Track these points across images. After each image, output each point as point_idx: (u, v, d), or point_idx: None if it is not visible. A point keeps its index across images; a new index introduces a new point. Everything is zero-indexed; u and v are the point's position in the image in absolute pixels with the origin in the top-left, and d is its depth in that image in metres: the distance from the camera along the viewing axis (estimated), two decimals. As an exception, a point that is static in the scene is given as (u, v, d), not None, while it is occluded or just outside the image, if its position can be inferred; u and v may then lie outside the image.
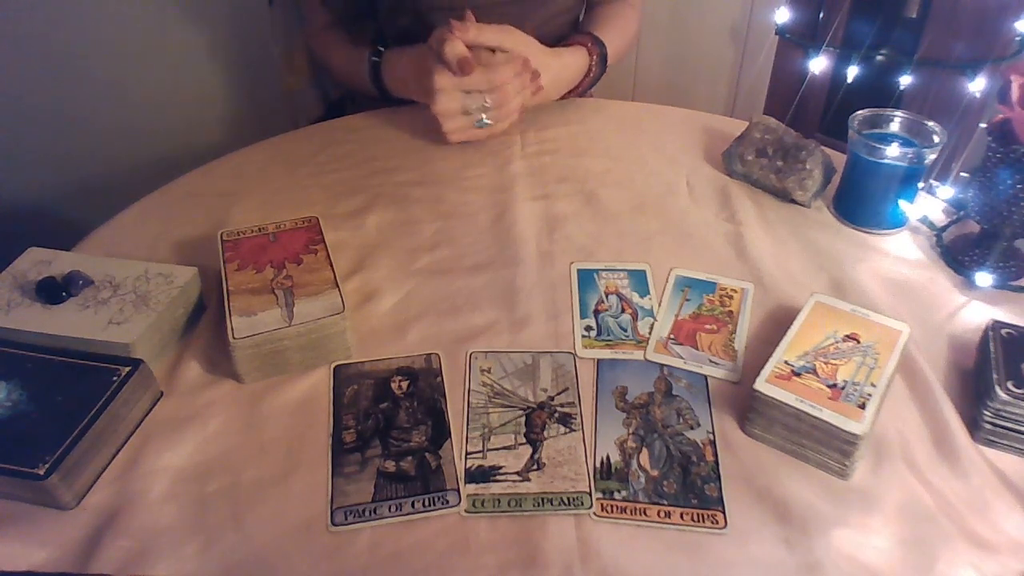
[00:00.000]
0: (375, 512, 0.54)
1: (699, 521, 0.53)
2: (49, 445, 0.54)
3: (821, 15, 1.50)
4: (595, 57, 0.97)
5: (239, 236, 0.72)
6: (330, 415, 0.61)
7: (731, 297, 0.72)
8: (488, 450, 0.58)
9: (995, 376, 0.58)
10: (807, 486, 0.55)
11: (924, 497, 0.55)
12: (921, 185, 0.80)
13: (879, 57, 1.42)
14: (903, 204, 0.78)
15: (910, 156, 0.75)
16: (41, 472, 0.52)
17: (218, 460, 0.58)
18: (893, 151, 0.75)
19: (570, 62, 0.95)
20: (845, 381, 0.57)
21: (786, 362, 0.59)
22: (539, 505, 0.54)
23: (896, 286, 0.73)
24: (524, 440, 0.59)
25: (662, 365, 0.65)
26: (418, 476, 0.56)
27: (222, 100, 1.47)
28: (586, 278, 0.74)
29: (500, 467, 0.57)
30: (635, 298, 0.72)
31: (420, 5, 0.95)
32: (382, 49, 0.96)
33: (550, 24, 1.03)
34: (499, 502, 0.55)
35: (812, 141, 0.83)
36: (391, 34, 0.98)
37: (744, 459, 0.57)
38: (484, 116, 0.87)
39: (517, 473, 0.57)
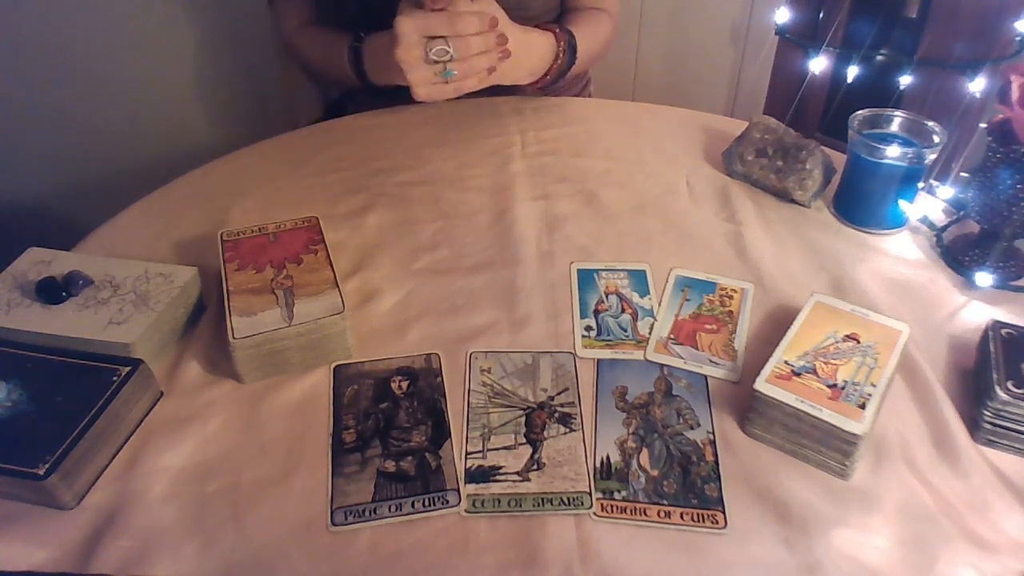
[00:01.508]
0: (375, 512, 0.54)
1: (699, 521, 0.53)
2: (49, 445, 0.54)
3: (821, 15, 1.50)
4: (562, 44, 0.94)
5: (239, 236, 0.72)
6: (330, 415, 0.61)
7: (731, 297, 0.72)
8: (488, 450, 0.58)
9: (995, 376, 0.58)
10: (807, 486, 0.55)
11: (924, 497, 0.55)
12: (921, 185, 0.80)
13: (879, 57, 1.42)
14: (903, 204, 0.78)
15: (910, 156, 0.75)
16: (41, 472, 0.52)
17: (218, 460, 0.58)
18: (893, 151, 0.75)
19: (536, 41, 0.92)
20: (845, 381, 0.57)
21: (786, 362, 0.59)
22: (539, 505, 0.54)
23: (896, 286, 0.73)
24: (524, 440, 0.59)
25: (662, 365, 0.65)
26: (418, 476, 0.56)
27: (222, 100, 1.47)
28: (586, 278, 0.74)
29: (500, 467, 0.57)
30: (635, 298, 0.72)
31: None
32: (364, 35, 0.93)
33: None
34: (499, 502, 0.55)
35: (812, 141, 0.83)
36: (368, 26, 0.94)
37: (744, 459, 0.57)
38: (448, 66, 0.80)
39: (517, 473, 0.57)
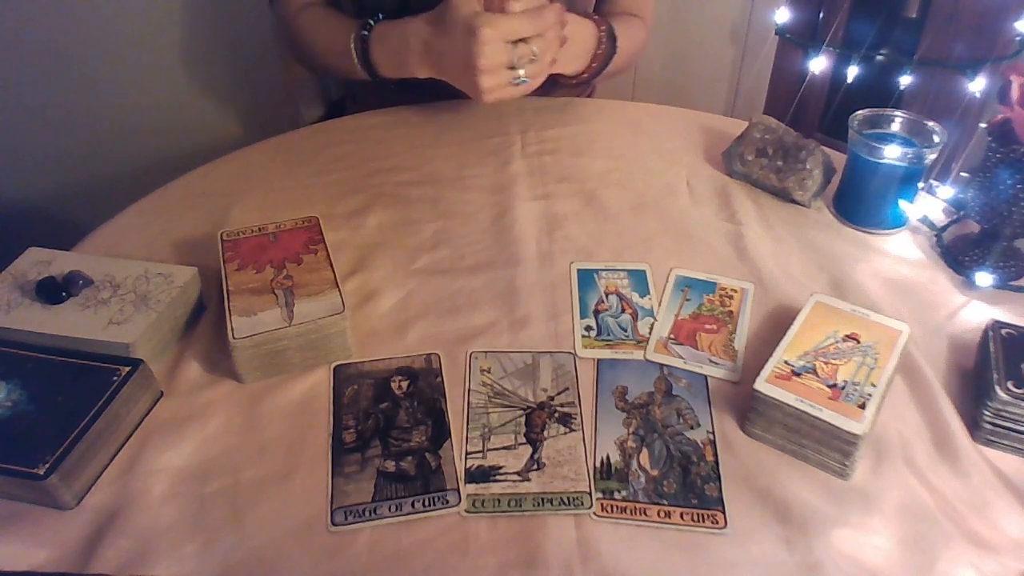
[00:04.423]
0: (375, 512, 0.54)
1: (699, 521, 0.53)
2: (49, 445, 0.54)
3: (821, 15, 1.50)
4: (603, 29, 0.91)
5: (239, 236, 0.72)
6: (330, 415, 0.61)
7: (731, 297, 0.72)
8: (488, 450, 0.58)
9: (995, 376, 0.58)
10: (807, 486, 0.55)
11: (924, 497, 0.55)
12: (921, 185, 0.80)
13: (879, 57, 1.42)
14: (903, 204, 0.78)
15: (910, 156, 0.75)
16: (41, 472, 0.52)
17: (218, 460, 0.58)
18: (893, 151, 0.75)
19: (580, 29, 0.89)
20: (845, 381, 0.57)
21: (786, 362, 0.59)
22: (539, 505, 0.54)
23: (896, 286, 0.73)
24: (524, 440, 0.59)
25: (662, 365, 0.65)
26: (418, 476, 0.56)
27: (222, 100, 1.47)
28: (586, 278, 0.74)
29: (500, 467, 0.57)
30: (635, 298, 0.72)
31: None
32: (372, 23, 0.87)
33: None
34: (499, 502, 0.55)
35: (812, 141, 0.83)
36: (374, 7, 0.91)
37: (744, 459, 0.58)
38: (524, 72, 0.77)
39: (517, 473, 0.56)
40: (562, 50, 0.83)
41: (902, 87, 1.38)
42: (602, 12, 1.06)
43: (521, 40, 0.77)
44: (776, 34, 1.56)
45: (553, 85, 0.95)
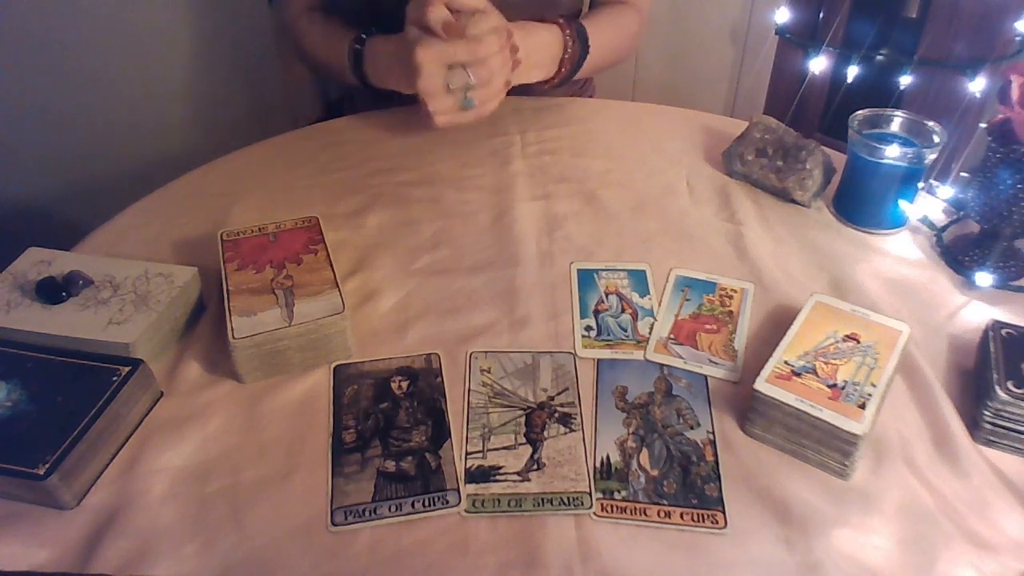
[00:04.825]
0: (375, 512, 0.54)
1: (699, 521, 0.53)
2: (49, 445, 0.54)
3: (821, 15, 1.51)
4: (568, 33, 0.91)
5: (239, 236, 0.72)
6: (330, 415, 0.61)
7: (731, 297, 0.72)
8: (488, 450, 0.58)
9: (995, 376, 0.58)
10: (807, 486, 0.55)
11: (924, 497, 0.55)
12: (921, 185, 0.80)
13: (879, 57, 1.42)
14: (903, 204, 0.78)
15: (910, 156, 0.75)
16: (41, 472, 0.52)
17: (218, 460, 0.58)
18: (893, 151, 0.75)
19: (542, 36, 0.89)
20: (845, 381, 0.57)
21: (786, 362, 0.59)
22: (539, 505, 0.54)
23: (896, 286, 0.73)
24: (524, 440, 0.59)
25: (662, 365, 0.65)
26: (418, 476, 0.56)
27: (222, 100, 1.47)
28: (586, 278, 0.74)
29: (500, 467, 0.57)
30: (635, 298, 0.72)
31: None
32: (365, 36, 0.90)
33: None
34: (499, 502, 0.55)
35: (812, 141, 0.83)
36: (372, 18, 0.92)
37: (744, 459, 0.58)
38: (468, 95, 0.78)
39: (517, 473, 0.57)
40: (519, 67, 0.84)
41: (902, 87, 1.38)
42: (595, 1, 1.05)
43: (461, 65, 0.77)
44: (776, 34, 1.56)
45: (526, 92, 0.95)
